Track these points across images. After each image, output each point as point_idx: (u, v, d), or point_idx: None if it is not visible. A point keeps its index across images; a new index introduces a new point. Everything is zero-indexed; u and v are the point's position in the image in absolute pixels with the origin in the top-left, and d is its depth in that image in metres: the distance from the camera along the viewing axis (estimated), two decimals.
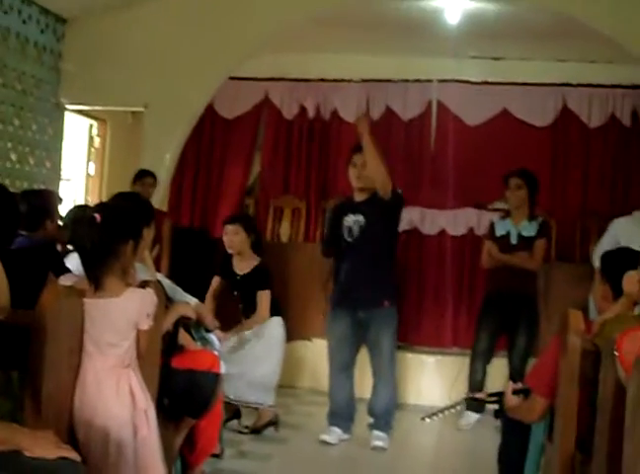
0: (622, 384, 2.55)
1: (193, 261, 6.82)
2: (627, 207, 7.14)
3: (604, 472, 2.64)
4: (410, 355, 6.86)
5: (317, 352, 7.01)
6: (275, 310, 5.78)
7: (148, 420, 3.04)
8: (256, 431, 5.62)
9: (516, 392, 3.56)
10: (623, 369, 2.58)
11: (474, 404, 5.88)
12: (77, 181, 7.86)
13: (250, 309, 5.75)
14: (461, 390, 6.30)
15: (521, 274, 6.06)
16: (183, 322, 3.96)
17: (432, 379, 6.95)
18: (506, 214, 6.33)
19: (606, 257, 3.59)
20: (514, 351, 6.15)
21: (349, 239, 5.44)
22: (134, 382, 3.03)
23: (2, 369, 2.85)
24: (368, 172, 5.28)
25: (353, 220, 5.43)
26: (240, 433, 5.57)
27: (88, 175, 7.90)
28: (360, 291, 5.40)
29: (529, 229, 6.16)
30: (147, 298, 3.05)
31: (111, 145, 7.87)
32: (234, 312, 5.82)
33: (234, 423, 5.66)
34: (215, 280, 5.92)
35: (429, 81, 8.05)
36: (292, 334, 6.82)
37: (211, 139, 8.40)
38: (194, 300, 4.37)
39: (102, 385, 2.96)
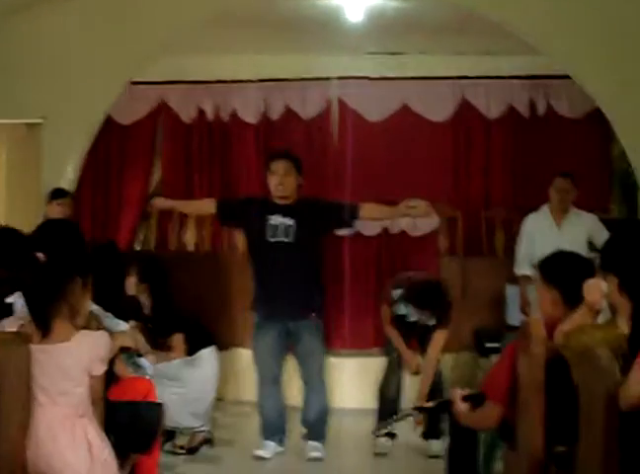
0: (614, 395, 2.53)
1: (105, 278, 6.51)
2: (529, 197, 7.26)
3: None
4: (332, 360, 6.77)
5: (236, 361, 6.88)
6: (206, 339, 5.61)
7: (108, 471, 2.87)
8: (192, 450, 5.44)
9: (465, 398, 3.54)
10: None
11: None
12: None
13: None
14: None
15: None
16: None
17: (355, 382, 6.88)
18: None
19: (549, 262, 3.57)
20: None
21: (271, 239, 5.29)
22: (91, 431, 2.86)
23: None
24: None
25: (280, 222, 5.29)
26: (175, 454, 5.38)
27: None
28: (289, 302, 5.28)
29: None
30: (100, 342, 2.88)
31: (7, 159, 7.46)
32: None
33: (168, 444, 5.43)
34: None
35: (328, 79, 7.97)
36: None
37: (108, 147, 8.07)
38: (124, 325, 4.18)
39: (57, 436, 2.78)
